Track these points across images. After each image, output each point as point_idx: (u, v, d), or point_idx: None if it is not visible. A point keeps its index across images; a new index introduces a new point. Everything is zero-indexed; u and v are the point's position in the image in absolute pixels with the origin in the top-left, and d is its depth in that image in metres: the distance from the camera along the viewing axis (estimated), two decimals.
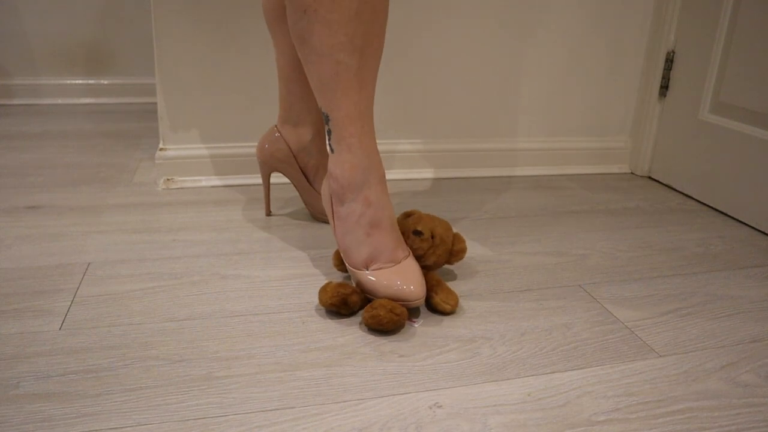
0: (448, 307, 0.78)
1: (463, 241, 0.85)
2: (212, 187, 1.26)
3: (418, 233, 0.81)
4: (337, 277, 0.88)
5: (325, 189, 0.82)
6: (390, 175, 1.37)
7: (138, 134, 1.65)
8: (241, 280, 0.88)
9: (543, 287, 0.90)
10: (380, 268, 0.77)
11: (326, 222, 1.09)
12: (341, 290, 0.76)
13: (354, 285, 0.79)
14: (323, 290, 0.76)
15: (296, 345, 0.73)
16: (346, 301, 0.76)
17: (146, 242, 0.99)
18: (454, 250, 0.84)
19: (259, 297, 0.83)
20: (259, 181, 1.26)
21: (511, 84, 1.38)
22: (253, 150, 1.25)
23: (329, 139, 0.77)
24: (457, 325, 0.79)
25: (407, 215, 0.87)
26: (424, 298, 0.77)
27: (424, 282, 0.78)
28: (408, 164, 1.38)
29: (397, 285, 0.76)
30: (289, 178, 1.05)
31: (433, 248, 0.82)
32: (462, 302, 0.85)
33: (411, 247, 0.81)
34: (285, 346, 0.73)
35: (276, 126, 1.03)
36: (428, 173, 1.39)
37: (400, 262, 0.78)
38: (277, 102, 1.23)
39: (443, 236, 0.82)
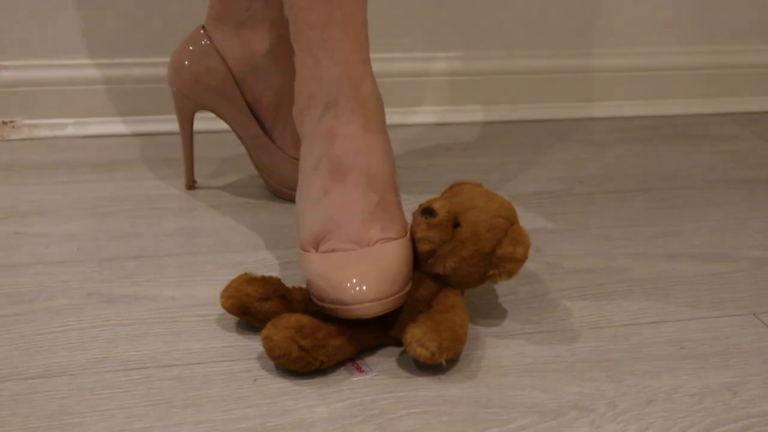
0: (422, 352, 0.68)
1: (522, 244, 0.75)
2: (87, 137, 1.16)
3: (428, 213, 0.72)
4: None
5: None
6: (406, 117, 1.27)
7: None
8: (142, 305, 0.78)
9: (685, 317, 0.79)
10: (333, 250, 0.71)
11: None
12: (249, 289, 0.72)
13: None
14: (227, 285, 0.73)
15: (242, 423, 0.62)
16: (248, 308, 0.71)
17: None
18: (497, 256, 0.73)
19: (174, 335, 0.74)
20: (174, 126, 1.06)
21: None
22: (162, 71, 1.05)
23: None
24: (528, 384, 0.68)
25: (450, 188, 0.80)
26: (385, 310, 0.69)
27: (401, 285, 0.70)
28: (441, 97, 1.28)
29: (339, 278, 0.69)
30: (228, 122, 0.97)
31: (454, 245, 0.72)
32: (531, 344, 0.74)
33: (414, 236, 0.73)
34: (220, 425, 0.62)
35: (203, 27, 0.93)
36: (476, 113, 1.28)
37: (371, 245, 0.72)
38: None
39: (479, 229, 0.72)
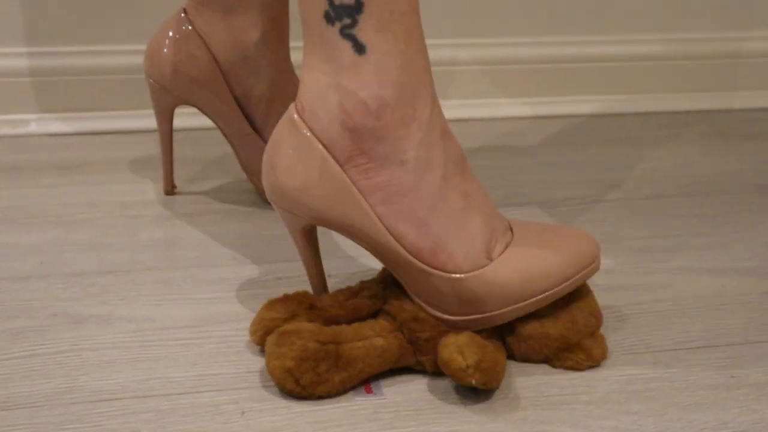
0: (458, 360, 0.66)
1: (602, 349, 0.74)
2: (52, 135, 1.14)
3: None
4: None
5: (302, 141, 0.68)
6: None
7: None
8: (115, 327, 0.75)
9: (736, 341, 0.76)
10: (509, 245, 0.71)
11: None
12: (272, 313, 0.69)
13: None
14: (253, 319, 0.72)
15: None
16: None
17: None
18: (575, 342, 0.73)
19: (151, 361, 0.70)
20: (151, 123, 1.04)
21: None
22: (138, 60, 1.03)
23: (353, 28, 0.66)
24: (555, 418, 0.65)
25: None
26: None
27: None
28: (461, 90, 1.25)
29: (560, 255, 0.71)
30: (213, 119, 0.94)
31: (546, 316, 0.72)
32: (559, 372, 0.71)
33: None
34: None
35: (185, 11, 0.90)
36: (498, 107, 1.26)
37: (512, 229, 0.74)
38: None
39: (577, 316, 0.73)
